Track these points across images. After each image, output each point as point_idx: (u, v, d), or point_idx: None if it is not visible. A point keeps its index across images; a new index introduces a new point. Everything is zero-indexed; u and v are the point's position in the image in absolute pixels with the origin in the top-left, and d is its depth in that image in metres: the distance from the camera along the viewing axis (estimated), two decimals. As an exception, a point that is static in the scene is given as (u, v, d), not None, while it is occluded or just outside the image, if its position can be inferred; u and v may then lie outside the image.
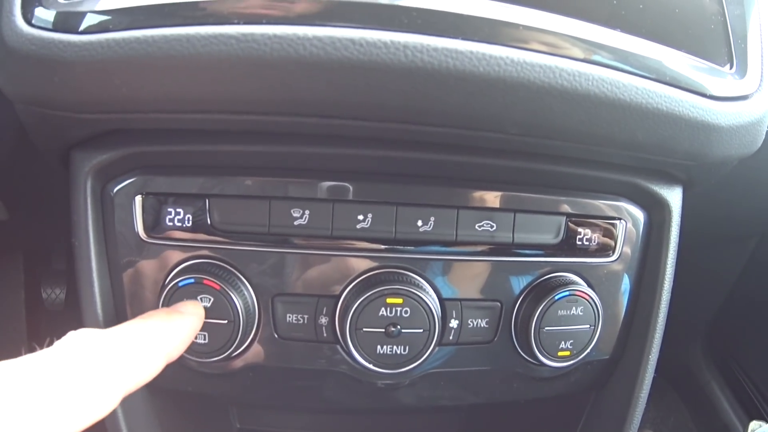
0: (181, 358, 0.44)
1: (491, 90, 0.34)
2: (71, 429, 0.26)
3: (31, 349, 0.28)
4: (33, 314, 0.68)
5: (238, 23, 0.33)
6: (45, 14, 0.35)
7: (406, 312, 0.43)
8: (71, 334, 0.30)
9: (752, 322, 0.81)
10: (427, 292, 0.44)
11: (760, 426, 0.70)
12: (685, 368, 0.86)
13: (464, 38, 0.34)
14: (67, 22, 0.35)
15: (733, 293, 0.80)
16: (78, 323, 0.47)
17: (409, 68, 0.33)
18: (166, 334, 0.35)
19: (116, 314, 0.46)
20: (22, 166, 0.53)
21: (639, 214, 0.49)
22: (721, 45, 0.44)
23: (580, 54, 0.36)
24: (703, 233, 0.65)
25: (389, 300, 0.42)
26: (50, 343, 0.29)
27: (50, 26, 0.35)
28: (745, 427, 0.70)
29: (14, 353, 0.27)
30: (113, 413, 0.47)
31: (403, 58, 0.32)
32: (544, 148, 0.41)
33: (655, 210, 0.49)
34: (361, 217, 0.44)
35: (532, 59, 0.34)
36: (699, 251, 0.61)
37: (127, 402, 0.48)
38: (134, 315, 0.45)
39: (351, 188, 0.43)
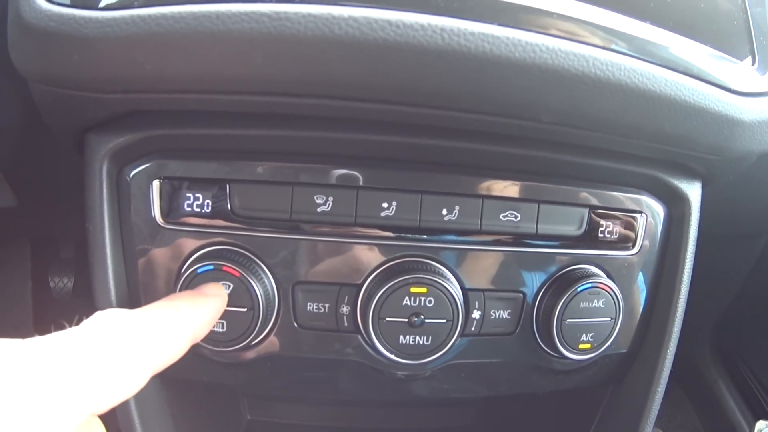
0: (198, 347, 0.43)
1: (526, 76, 0.34)
2: (102, 406, 0.26)
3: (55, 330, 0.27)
4: (40, 302, 0.67)
5: (270, 1, 0.32)
6: (63, -9, 0.34)
7: (430, 302, 0.42)
8: (99, 314, 0.30)
9: (760, 321, 0.82)
10: (451, 282, 0.43)
11: (767, 425, 0.70)
12: (693, 366, 0.87)
13: (500, 24, 0.33)
14: (85, -2, 0.34)
15: (741, 292, 0.81)
16: (86, 311, 0.45)
17: (445, 51, 0.32)
18: (191, 315, 0.35)
19: (130, 301, 0.45)
20: (32, 152, 0.52)
21: (659, 208, 0.50)
22: (744, 41, 0.44)
23: (612, 44, 0.36)
24: (713, 231, 0.65)
25: (413, 289, 0.42)
26: (78, 322, 0.28)
27: (68, 2, 0.34)
28: (752, 426, 0.71)
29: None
30: (125, 403, 0.46)
31: (440, 41, 0.32)
32: (573, 137, 0.40)
33: (675, 204, 0.49)
34: (385, 205, 0.43)
35: (567, 47, 0.34)
36: (708, 249, 0.61)
37: (139, 392, 0.47)
38: (148, 302, 0.44)
39: (376, 175, 0.43)
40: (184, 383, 0.49)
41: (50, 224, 0.64)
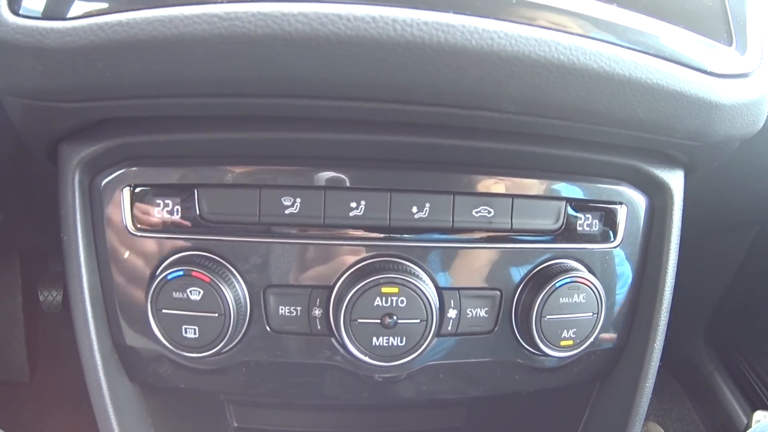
0: (173, 353, 0.43)
1: (484, 65, 0.33)
2: None
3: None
4: (31, 317, 0.67)
5: (221, 2, 0.32)
6: (33, 4, 0.34)
7: (402, 302, 0.41)
8: None
9: (754, 312, 0.80)
10: (424, 281, 0.42)
11: (765, 416, 0.68)
12: (688, 359, 0.85)
13: (456, 12, 0.32)
14: (54, 9, 0.34)
15: (734, 283, 0.79)
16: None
17: (398, 43, 0.31)
18: None
19: (105, 308, 0.45)
20: (18, 168, 0.52)
21: (640, 199, 0.48)
22: (720, 22, 0.43)
23: (576, 28, 0.35)
24: (704, 221, 0.64)
25: (384, 290, 0.41)
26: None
27: (39, 15, 0.34)
28: (749, 416, 0.69)
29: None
30: (104, 413, 0.45)
31: (392, 33, 0.31)
32: (542, 128, 0.39)
33: (657, 194, 0.48)
34: (354, 205, 0.43)
35: (527, 33, 0.33)
36: (700, 240, 0.59)
37: (119, 402, 0.47)
38: (123, 309, 0.44)
39: (343, 175, 0.42)
40: (164, 391, 0.49)
41: (37, 238, 0.65)
